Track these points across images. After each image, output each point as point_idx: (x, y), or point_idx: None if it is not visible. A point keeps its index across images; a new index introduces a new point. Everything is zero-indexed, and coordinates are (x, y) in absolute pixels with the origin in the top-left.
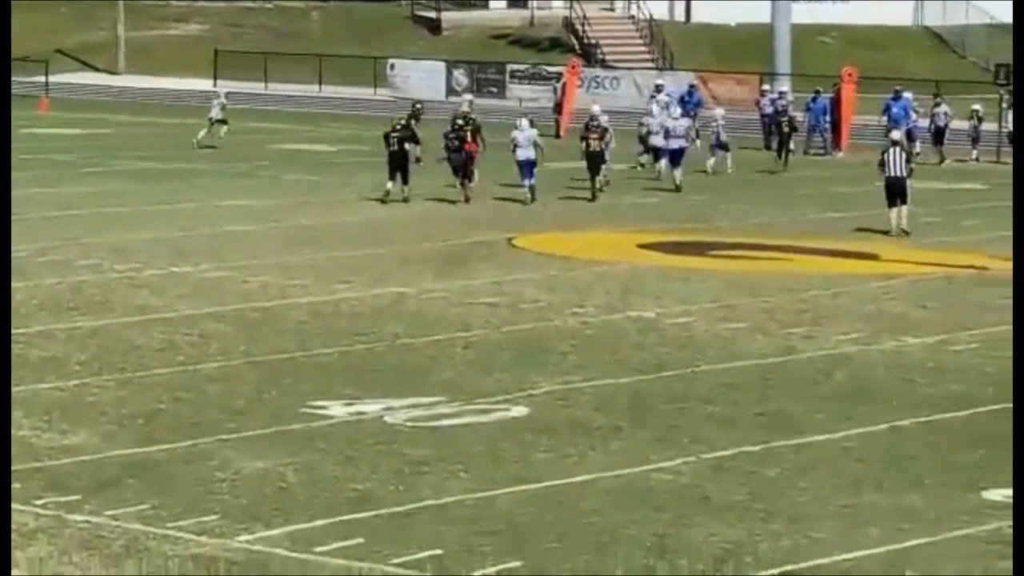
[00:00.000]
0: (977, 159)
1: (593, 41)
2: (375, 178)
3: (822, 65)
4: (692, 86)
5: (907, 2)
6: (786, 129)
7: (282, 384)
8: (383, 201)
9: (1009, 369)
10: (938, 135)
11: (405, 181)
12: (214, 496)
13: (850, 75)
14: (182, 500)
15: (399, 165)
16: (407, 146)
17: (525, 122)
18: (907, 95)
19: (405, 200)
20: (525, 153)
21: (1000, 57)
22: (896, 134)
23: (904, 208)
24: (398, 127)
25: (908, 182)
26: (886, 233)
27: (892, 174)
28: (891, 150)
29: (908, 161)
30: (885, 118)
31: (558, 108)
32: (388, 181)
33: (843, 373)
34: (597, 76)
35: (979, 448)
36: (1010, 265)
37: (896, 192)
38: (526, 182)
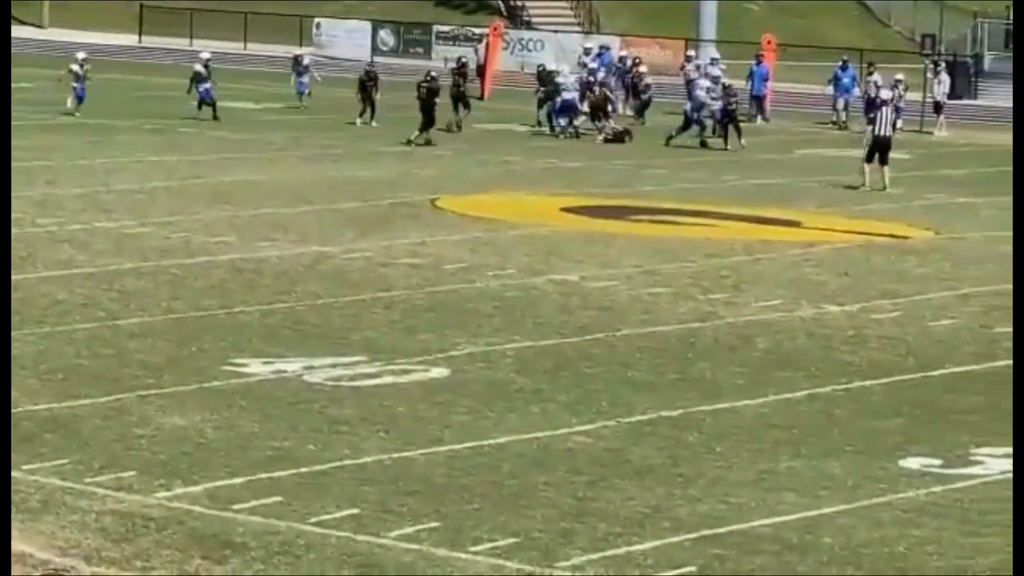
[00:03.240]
0: (900, 129)
1: (519, 3)
2: (295, 136)
3: (747, 32)
4: (603, 47)
5: None
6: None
7: (203, 341)
8: (429, 143)
9: (930, 337)
10: (870, 105)
11: (431, 124)
12: (133, 452)
13: (769, 43)
14: (101, 455)
15: (427, 111)
16: (436, 99)
17: (566, 68)
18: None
19: (429, 143)
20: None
21: (925, 28)
22: (886, 93)
23: (886, 168)
24: (428, 79)
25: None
26: (854, 187)
27: (881, 132)
28: (883, 109)
29: (894, 125)
30: (831, 88)
31: (480, 70)
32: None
33: (764, 339)
34: (522, 38)
35: (898, 417)
36: (930, 234)
37: (881, 150)
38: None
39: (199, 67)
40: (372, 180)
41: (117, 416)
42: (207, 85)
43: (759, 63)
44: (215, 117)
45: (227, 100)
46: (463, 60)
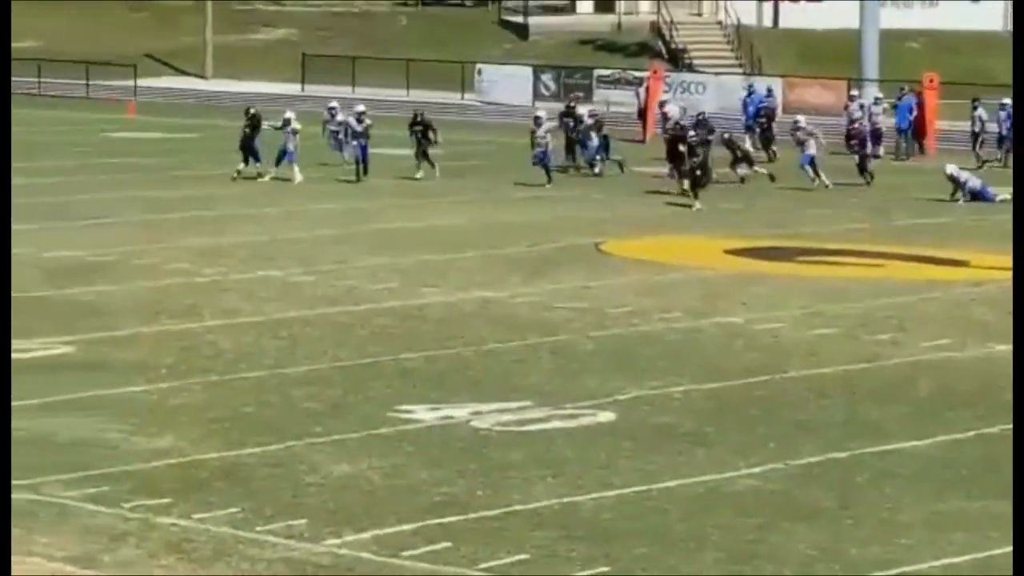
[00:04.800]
0: None
1: (680, 46)
2: (457, 183)
3: (909, 70)
4: (750, 86)
5: (997, 4)
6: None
7: (369, 388)
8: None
9: None
10: (975, 138)
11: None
12: (302, 500)
13: (931, 81)
14: (270, 503)
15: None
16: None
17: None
18: (1006, 100)
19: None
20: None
21: None
22: None
23: None
24: (676, 126)
25: None
26: None
27: None
28: None
29: None
30: (1003, 126)
31: (642, 113)
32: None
33: (930, 380)
34: (684, 81)
35: None
36: None
37: None
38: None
39: (351, 118)
40: (535, 224)
41: (286, 464)
42: (362, 142)
43: (900, 98)
44: (358, 176)
45: (389, 146)
46: (572, 104)
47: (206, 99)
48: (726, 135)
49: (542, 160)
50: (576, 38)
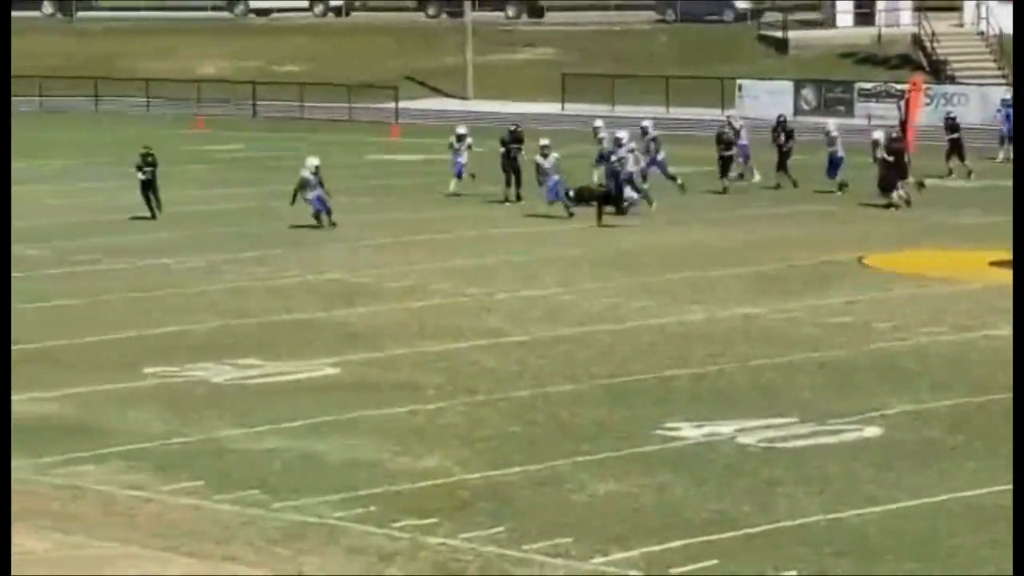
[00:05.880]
0: None
1: (942, 57)
2: (708, 199)
3: None
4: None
5: None
6: None
7: (634, 406)
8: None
9: None
10: None
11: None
12: (567, 518)
13: None
14: (536, 523)
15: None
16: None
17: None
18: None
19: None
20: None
21: None
22: None
23: None
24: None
25: None
26: None
27: None
28: None
29: None
30: None
31: (902, 126)
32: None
33: None
34: (946, 92)
35: None
36: None
37: None
38: None
39: (537, 156)
40: (794, 240)
41: (551, 483)
42: (555, 178)
43: None
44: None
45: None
46: (782, 117)
47: (468, 120)
48: (894, 134)
49: (629, 181)
50: (836, 51)
